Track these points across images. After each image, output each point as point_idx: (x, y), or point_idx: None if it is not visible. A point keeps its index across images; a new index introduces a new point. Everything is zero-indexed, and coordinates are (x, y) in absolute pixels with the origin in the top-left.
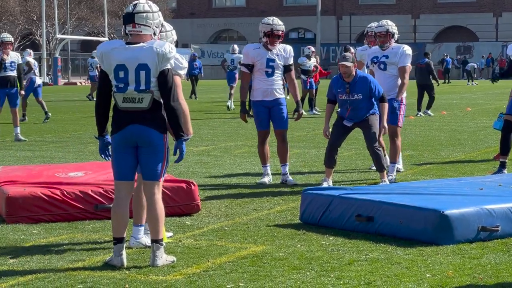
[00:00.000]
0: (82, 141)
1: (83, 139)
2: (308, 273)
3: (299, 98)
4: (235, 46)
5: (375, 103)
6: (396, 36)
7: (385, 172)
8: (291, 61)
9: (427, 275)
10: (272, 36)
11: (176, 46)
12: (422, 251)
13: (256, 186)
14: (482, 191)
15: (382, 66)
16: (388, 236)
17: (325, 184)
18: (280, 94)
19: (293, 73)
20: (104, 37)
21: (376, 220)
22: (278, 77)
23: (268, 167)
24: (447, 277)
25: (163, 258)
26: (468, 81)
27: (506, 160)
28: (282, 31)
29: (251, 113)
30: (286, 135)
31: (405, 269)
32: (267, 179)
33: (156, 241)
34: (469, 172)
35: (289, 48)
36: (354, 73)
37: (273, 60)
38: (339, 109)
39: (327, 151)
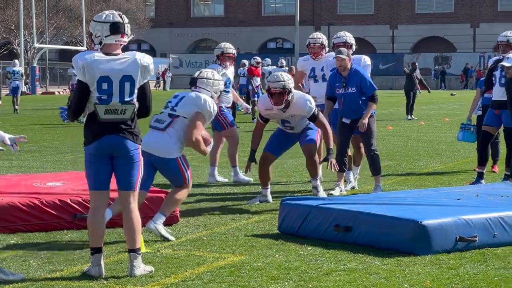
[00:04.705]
0: (60, 151)
1: (61, 148)
2: (286, 283)
3: (331, 145)
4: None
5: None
6: (354, 47)
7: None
8: (312, 111)
9: (405, 285)
10: (272, 96)
11: (154, 55)
12: (400, 261)
13: (234, 195)
14: (460, 202)
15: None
16: (366, 246)
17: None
18: (310, 127)
19: (320, 119)
20: (82, 46)
21: (354, 230)
22: (300, 129)
23: (268, 190)
24: (425, 287)
25: (141, 267)
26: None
27: (484, 171)
28: (276, 88)
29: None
30: (314, 151)
31: (383, 279)
32: (258, 200)
33: (133, 250)
34: (447, 182)
35: (303, 101)
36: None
37: (288, 121)
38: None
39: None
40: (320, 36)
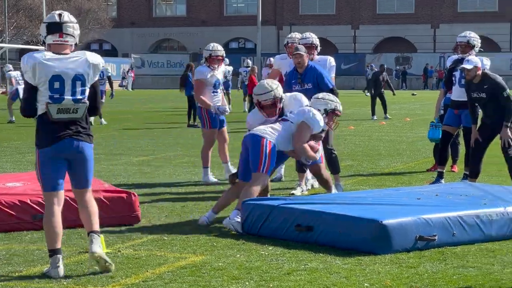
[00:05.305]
0: (20, 151)
1: (21, 149)
2: (247, 283)
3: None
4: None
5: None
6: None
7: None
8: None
9: (365, 284)
10: (264, 109)
11: (116, 55)
12: (361, 260)
13: (196, 195)
14: (420, 201)
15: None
16: (327, 245)
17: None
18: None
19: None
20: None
21: (315, 230)
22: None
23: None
24: (385, 286)
25: (101, 248)
26: (366, 91)
27: (444, 170)
28: (267, 100)
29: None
30: (321, 170)
31: (343, 279)
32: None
33: (93, 232)
34: (407, 182)
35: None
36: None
37: None
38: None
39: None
40: (298, 36)
